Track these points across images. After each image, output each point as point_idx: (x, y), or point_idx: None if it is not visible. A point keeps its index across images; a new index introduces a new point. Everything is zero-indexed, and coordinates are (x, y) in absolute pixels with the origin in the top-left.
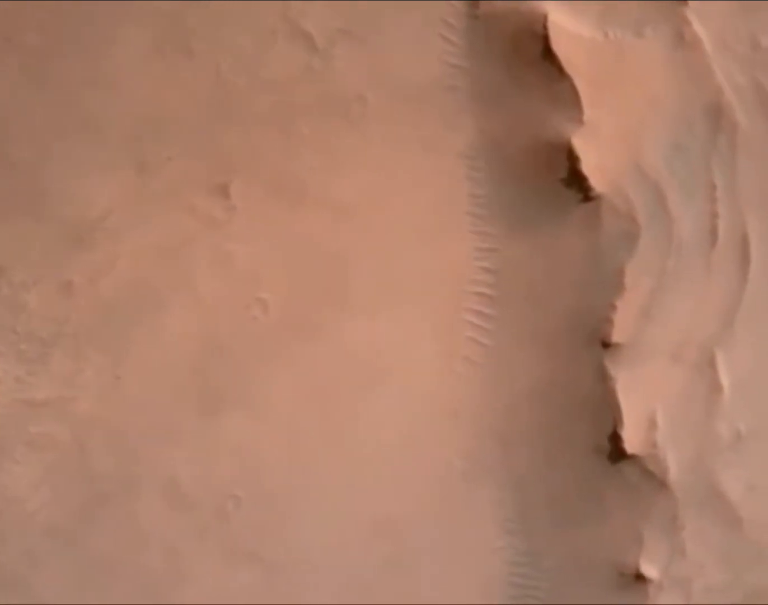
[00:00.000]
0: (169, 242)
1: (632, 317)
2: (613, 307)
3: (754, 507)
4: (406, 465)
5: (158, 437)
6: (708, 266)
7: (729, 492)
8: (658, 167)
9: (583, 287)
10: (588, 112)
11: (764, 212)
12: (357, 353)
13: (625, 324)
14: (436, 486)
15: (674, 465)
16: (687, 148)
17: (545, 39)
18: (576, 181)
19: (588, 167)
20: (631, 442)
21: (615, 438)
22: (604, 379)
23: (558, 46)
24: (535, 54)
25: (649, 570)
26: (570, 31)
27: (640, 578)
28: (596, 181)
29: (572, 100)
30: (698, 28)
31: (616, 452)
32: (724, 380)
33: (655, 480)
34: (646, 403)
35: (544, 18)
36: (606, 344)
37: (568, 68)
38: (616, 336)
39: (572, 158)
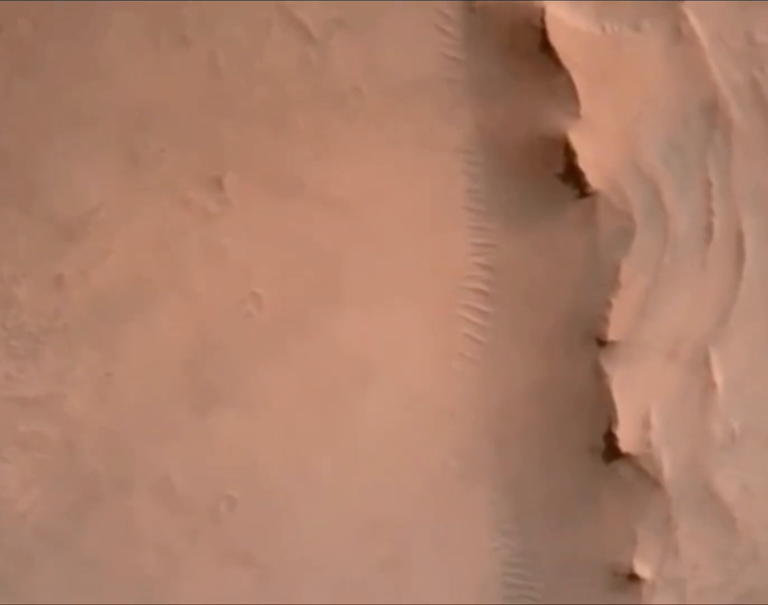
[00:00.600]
0: (162, 236)
1: (628, 314)
2: (609, 304)
3: (748, 507)
4: (400, 464)
5: (151, 435)
6: (703, 264)
7: (723, 492)
8: (654, 163)
9: (580, 284)
10: (585, 107)
11: (759, 210)
12: (351, 350)
13: (620, 322)
14: (431, 486)
15: (668, 465)
16: (683, 144)
17: (543, 32)
18: (573, 176)
19: (585, 162)
20: (626, 441)
21: (610, 437)
22: (599, 377)
23: (556, 39)
24: (533, 47)
25: (643, 570)
26: (568, 25)
27: (633, 578)
28: (593, 177)
29: (569, 95)
30: (695, 22)
31: (611, 451)
32: (719, 378)
33: (649, 479)
34: (641, 402)
35: (542, 11)
36: (602, 342)
37: (566, 62)
38: (612, 334)
39: (569, 153)
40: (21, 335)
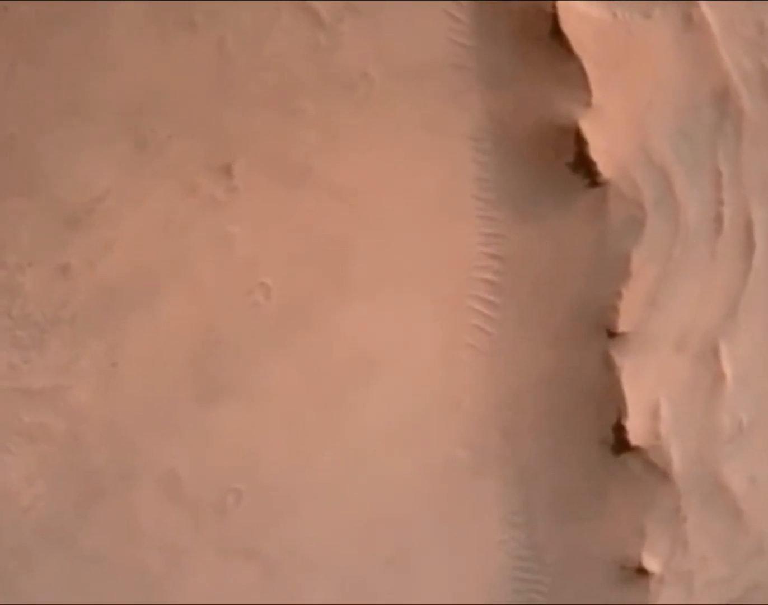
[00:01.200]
0: (169, 224)
1: (638, 305)
2: (619, 295)
3: (755, 500)
4: (407, 456)
5: (156, 428)
6: (713, 254)
7: (731, 484)
8: (665, 152)
9: (590, 274)
10: (596, 95)
11: None
12: (358, 341)
13: (630, 313)
14: (439, 478)
15: (677, 457)
16: (693, 133)
17: (554, 18)
18: (583, 165)
19: (596, 151)
20: (636, 433)
21: (619, 429)
22: (609, 369)
23: (567, 25)
24: (544, 33)
25: (651, 563)
26: (579, 11)
27: (642, 572)
28: (604, 165)
29: (580, 82)
30: (706, 10)
31: (620, 443)
32: (727, 370)
33: (657, 471)
34: (651, 393)
35: None
36: (612, 333)
37: (577, 49)
38: (622, 325)
39: (580, 142)
40: (26, 325)
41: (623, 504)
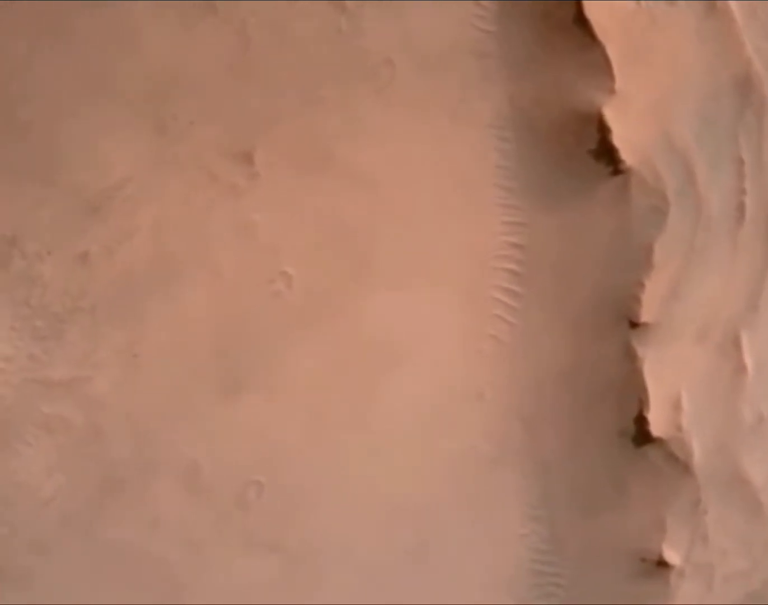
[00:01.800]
0: (190, 212)
1: (660, 295)
2: (641, 285)
3: None
4: (429, 447)
5: (176, 419)
6: (734, 244)
7: (751, 476)
8: (687, 139)
9: (611, 264)
10: (619, 82)
11: None
12: (380, 331)
13: (652, 303)
14: (460, 470)
15: (698, 449)
16: (715, 121)
17: (578, 4)
18: (606, 153)
19: (618, 138)
20: (657, 425)
21: (641, 421)
22: (630, 359)
23: (591, 12)
24: (568, 20)
25: (672, 556)
26: None
27: (662, 564)
28: (626, 153)
29: (604, 69)
30: None
31: (642, 435)
32: (749, 361)
33: (678, 464)
34: (672, 385)
35: None
36: (633, 324)
37: (601, 35)
38: (644, 316)
39: (603, 129)
40: (46, 314)
41: (643, 496)
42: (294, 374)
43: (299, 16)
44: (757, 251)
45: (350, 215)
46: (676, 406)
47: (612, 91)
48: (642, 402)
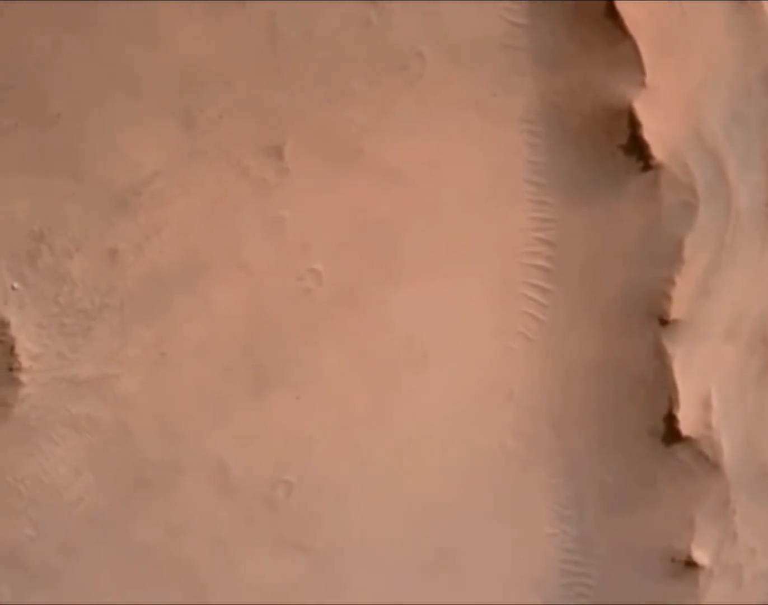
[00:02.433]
0: (219, 207)
1: (690, 292)
2: (672, 282)
3: None
4: (457, 446)
5: (205, 418)
6: (764, 240)
7: None
8: (718, 134)
9: (641, 260)
10: (650, 75)
11: None
12: (409, 329)
13: (683, 300)
14: (489, 468)
15: (727, 447)
16: (745, 116)
17: None
18: (637, 147)
19: (649, 132)
20: (687, 423)
21: (670, 419)
22: (661, 357)
23: (622, 5)
24: (599, 13)
25: (701, 556)
26: None
27: (691, 564)
28: (656, 148)
29: (635, 63)
30: None
31: (671, 434)
32: None
33: (708, 462)
34: (702, 383)
35: None
36: (663, 321)
37: (632, 29)
38: (674, 312)
39: (634, 124)
40: (74, 312)
41: (673, 495)
42: (323, 372)
43: (328, 9)
44: None
45: (380, 211)
46: (706, 404)
47: (643, 85)
48: (672, 401)
